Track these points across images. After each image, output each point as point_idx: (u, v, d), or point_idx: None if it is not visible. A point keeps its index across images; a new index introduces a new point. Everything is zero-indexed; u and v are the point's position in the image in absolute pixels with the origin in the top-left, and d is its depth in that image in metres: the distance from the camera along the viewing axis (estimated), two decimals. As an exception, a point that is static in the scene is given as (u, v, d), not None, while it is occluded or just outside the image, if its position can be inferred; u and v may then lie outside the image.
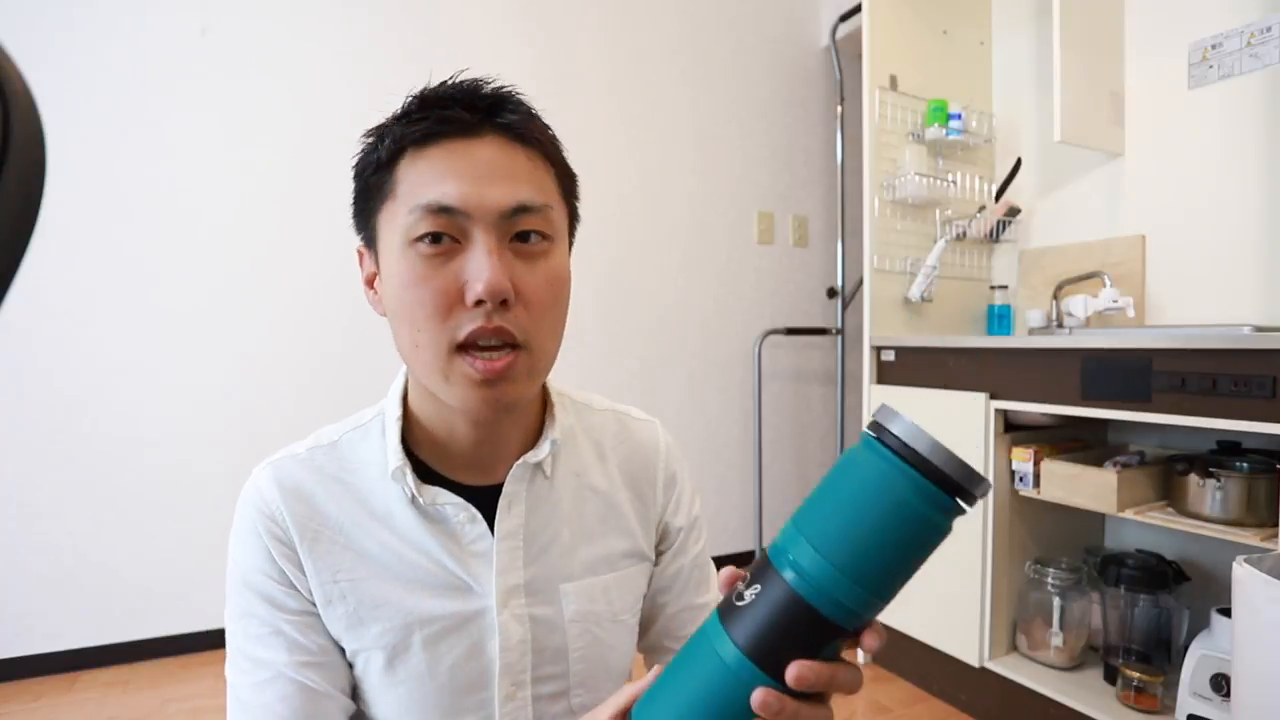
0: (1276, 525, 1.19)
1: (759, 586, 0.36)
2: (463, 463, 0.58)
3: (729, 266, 2.64)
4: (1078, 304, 1.77)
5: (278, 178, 2.00)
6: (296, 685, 0.53)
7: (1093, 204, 1.88)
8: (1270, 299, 1.53)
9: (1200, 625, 1.35)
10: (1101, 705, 1.40)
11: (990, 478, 1.56)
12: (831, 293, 2.80)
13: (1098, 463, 1.46)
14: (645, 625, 0.68)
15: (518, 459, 0.58)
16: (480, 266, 0.48)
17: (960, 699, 1.67)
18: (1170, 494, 1.39)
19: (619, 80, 2.43)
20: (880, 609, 0.36)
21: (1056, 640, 1.54)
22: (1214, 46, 1.61)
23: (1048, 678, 1.52)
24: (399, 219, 0.50)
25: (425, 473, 0.57)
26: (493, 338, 0.49)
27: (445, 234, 0.49)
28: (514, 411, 0.56)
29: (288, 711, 0.52)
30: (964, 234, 2.02)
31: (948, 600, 1.67)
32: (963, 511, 0.35)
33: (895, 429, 0.34)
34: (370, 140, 0.54)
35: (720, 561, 0.62)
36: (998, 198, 2.06)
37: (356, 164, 0.55)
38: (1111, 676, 1.47)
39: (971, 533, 1.60)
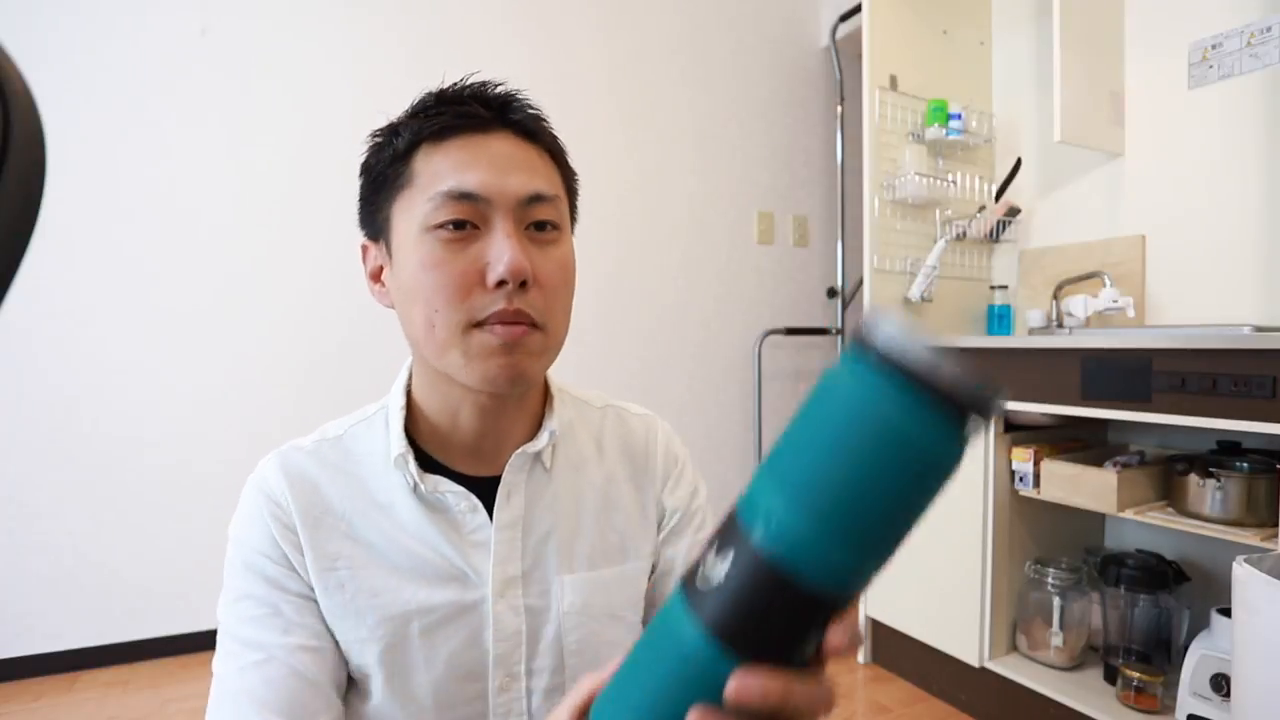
0: (1276, 525, 1.19)
1: (726, 550, 0.29)
2: (465, 452, 0.59)
3: (729, 266, 2.64)
4: (1078, 304, 1.77)
5: (277, 178, 2.00)
6: (287, 669, 0.51)
7: (1093, 204, 1.88)
8: (1270, 299, 1.53)
9: (1200, 625, 1.35)
10: (1101, 705, 1.40)
11: (990, 478, 1.57)
12: (831, 293, 2.80)
13: (1098, 463, 1.46)
14: (645, 614, 0.68)
15: (518, 450, 0.59)
16: (502, 249, 0.51)
17: (960, 699, 1.67)
18: (1170, 494, 1.39)
19: (619, 80, 2.43)
20: (874, 572, 0.28)
21: (1056, 640, 1.54)
22: (1214, 46, 1.61)
23: (1048, 678, 1.52)
24: (417, 207, 0.52)
25: (427, 462, 0.58)
26: (512, 319, 0.51)
27: (467, 220, 0.51)
28: (522, 389, 0.57)
29: (271, 696, 0.50)
30: (964, 234, 2.02)
31: (948, 600, 1.67)
32: (967, 439, 0.26)
33: (880, 336, 0.26)
34: (381, 137, 0.56)
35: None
36: (998, 198, 2.06)
37: (366, 160, 0.57)
38: (1111, 676, 1.47)
39: (971, 533, 1.60)
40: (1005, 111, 2.12)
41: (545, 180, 0.55)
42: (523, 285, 0.51)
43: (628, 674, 0.33)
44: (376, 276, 0.58)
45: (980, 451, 1.58)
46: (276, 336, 2.01)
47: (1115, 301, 1.67)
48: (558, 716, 0.40)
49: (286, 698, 0.51)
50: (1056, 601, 1.54)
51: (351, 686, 0.58)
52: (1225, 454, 1.38)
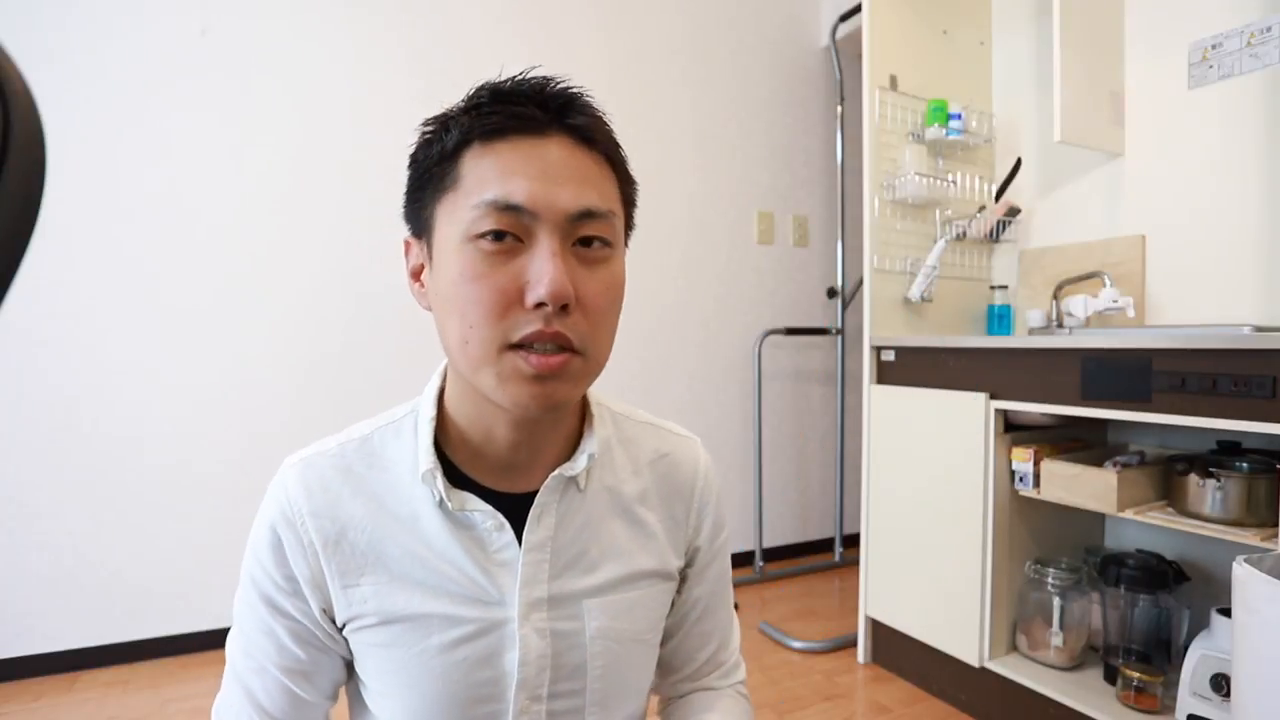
0: (1276, 525, 1.19)
1: None
2: (496, 467, 0.56)
3: (729, 266, 2.64)
4: (1078, 304, 1.77)
5: (278, 178, 2.00)
6: (278, 684, 0.56)
7: (1093, 204, 1.88)
8: (1270, 299, 1.53)
9: (1200, 625, 1.35)
10: (1101, 705, 1.40)
11: (990, 478, 1.57)
12: (831, 293, 2.80)
13: (1098, 463, 1.46)
14: (661, 642, 0.67)
15: (552, 467, 0.57)
16: (543, 268, 0.47)
17: (960, 699, 1.67)
18: (1170, 494, 1.39)
19: (619, 80, 2.43)
20: None
21: (1056, 640, 1.54)
22: (1214, 46, 1.61)
23: (1048, 678, 1.52)
24: (461, 212, 0.49)
25: (455, 476, 0.56)
26: (549, 342, 0.48)
27: (509, 233, 0.48)
28: (558, 412, 0.55)
29: (265, 701, 0.56)
30: (964, 234, 2.02)
31: (948, 600, 1.67)
32: None
33: None
34: (432, 129, 0.52)
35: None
36: (998, 198, 2.06)
37: (415, 152, 0.53)
38: (1111, 676, 1.47)
39: (971, 533, 1.60)
40: (1005, 111, 2.12)
41: (598, 193, 0.50)
42: (564, 308, 0.48)
43: None
44: (417, 275, 0.55)
45: (980, 451, 1.58)
46: (276, 336, 2.01)
47: (1115, 301, 1.67)
48: None
49: (279, 704, 0.56)
50: (1056, 601, 1.54)
51: (360, 703, 0.59)
52: (1225, 454, 1.38)
